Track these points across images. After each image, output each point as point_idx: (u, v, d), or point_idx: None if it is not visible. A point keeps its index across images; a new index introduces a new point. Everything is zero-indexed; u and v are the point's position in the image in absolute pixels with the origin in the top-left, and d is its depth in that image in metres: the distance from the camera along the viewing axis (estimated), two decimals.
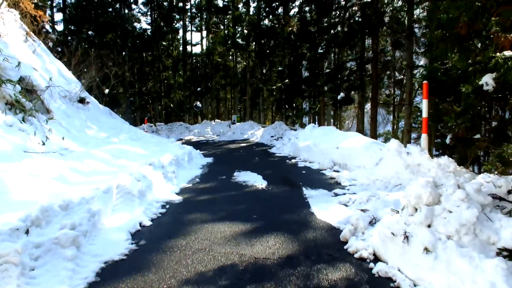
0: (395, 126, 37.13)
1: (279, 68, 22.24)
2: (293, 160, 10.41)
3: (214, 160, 11.89)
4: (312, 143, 9.89)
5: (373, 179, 6.28)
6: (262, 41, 24.72)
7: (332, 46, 17.24)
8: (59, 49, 23.38)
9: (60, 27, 30.39)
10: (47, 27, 29.89)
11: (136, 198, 5.32)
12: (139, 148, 10.74)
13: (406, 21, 17.15)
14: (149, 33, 33.38)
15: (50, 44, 16.73)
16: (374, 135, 19.07)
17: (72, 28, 29.62)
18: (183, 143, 22.23)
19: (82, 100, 12.85)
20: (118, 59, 30.65)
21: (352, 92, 16.83)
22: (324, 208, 5.06)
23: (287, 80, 21.04)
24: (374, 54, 17.79)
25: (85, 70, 17.83)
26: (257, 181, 7.40)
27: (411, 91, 21.79)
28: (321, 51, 17.11)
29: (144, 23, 48.66)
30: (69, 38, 29.21)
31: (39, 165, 5.62)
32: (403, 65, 38.31)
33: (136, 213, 4.89)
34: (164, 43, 33.90)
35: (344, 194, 5.82)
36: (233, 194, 6.35)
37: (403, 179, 5.75)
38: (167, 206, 5.64)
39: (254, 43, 27.29)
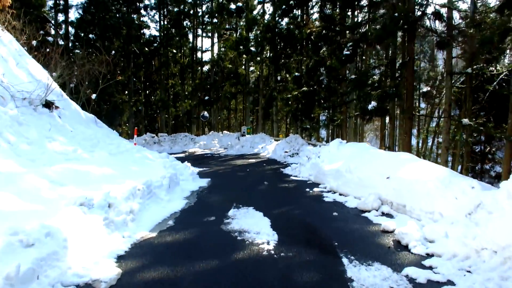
0: (420, 142, 33.69)
1: (296, 74, 19.43)
2: (315, 190, 7.47)
3: (210, 184, 9.08)
4: (344, 168, 6.96)
5: (476, 246, 3.32)
6: (278, 45, 22.05)
7: (360, 46, 14.40)
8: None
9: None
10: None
11: None
12: (110, 167, 8.01)
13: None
14: (157, 39, 31.23)
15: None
16: (408, 151, 15.96)
17: (77, 31, 27.75)
18: (185, 156, 19.63)
19: (48, 105, 10.26)
20: (120, 62, 28.58)
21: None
22: None
23: (305, 88, 18.22)
24: (410, 57, 14.87)
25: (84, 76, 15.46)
26: (261, 232, 4.51)
27: (451, 102, 18.76)
28: (347, 52, 14.31)
29: (153, 30, 46.72)
30: (71, 41, 27.24)
31: None
32: (431, 74, 35.22)
33: None
34: (172, 50, 31.67)
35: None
36: (215, 268, 3.47)
37: None
38: None
39: (268, 48, 24.63)
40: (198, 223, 5.13)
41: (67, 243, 3.37)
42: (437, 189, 4.50)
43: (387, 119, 27.91)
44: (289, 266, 3.40)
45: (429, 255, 3.57)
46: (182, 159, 15.73)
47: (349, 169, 6.71)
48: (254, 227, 4.76)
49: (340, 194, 6.71)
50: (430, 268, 3.27)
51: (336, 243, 3.99)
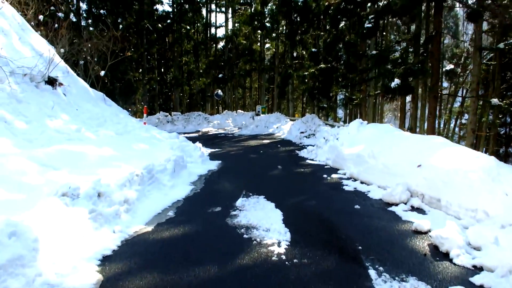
0: (442, 124, 32.10)
1: (313, 50, 18.39)
2: (334, 176, 6.78)
3: (220, 167, 8.52)
4: (366, 152, 6.23)
5: None
6: (294, 20, 20.91)
7: (383, 18, 13.29)
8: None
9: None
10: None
11: None
12: (113, 148, 7.51)
13: None
14: (170, 15, 30.28)
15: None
16: (431, 134, 15.02)
17: (90, 6, 27.05)
18: (198, 136, 19.11)
19: (52, 82, 9.76)
20: (133, 39, 27.86)
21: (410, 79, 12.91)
22: None
23: (322, 65, 17.22)
24: (437, 31, 13.70)
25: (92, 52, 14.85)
26: (271, 228, 3.89)
27: (479, 80, 17.51)
28: (369, 25, 13.23)
29: (167, 6, 45.42)
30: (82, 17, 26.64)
31: None
32: (455, 51, 33.32)
33: None
34: (185, 26, 30.68)
35: None
36: (213, 277, 2.88)
37: None
38: None
39: (283, 22, 23.47)
40: (201, 215, 4.55)
41: (38, 245, 2.83)
42: (482, 182, 3.76)
43: (408, 98, 26.63)
44: (303, 278, 2.79)
45: (476, 268, 2.89)
46: (194, 139, 15.23)
47: (372, 154, 5.98)
48: (264, 222, 4.15)
49: (362, 183, 6.01)
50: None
51: (360, 247, 3.34)
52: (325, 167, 8.01)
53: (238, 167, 8.54)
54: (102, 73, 14.33)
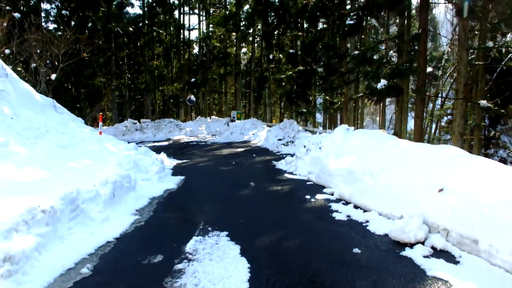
0: (425, 127, 31.37)
1: (290, 51, 17.16)
2: (319, 197, 5.39)
3: (181, 185, 7.02)
4: (360, 168, 4.88)
5: None
6: (270, 19, 19.68)
7: (366, 14, 12.15)
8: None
9: None
10: None
11: None
12: (41, 167, 5.93)
13: None
14: (140, 18, 28.49)
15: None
16: (420, 139, 13.96)
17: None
18: (168, 145, 17.45)
19: None
20: (99, 42, 25.94)
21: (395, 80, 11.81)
22: None
23: (300, 67, 16.00)
24: (423, 29, 12.73)
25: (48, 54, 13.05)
26: None
27: (466, 81, 16.67)
28: (351, 22, 12.10)
29: (137, 8, 43.45)
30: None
31: None
32: (434, 54, 32.94)
33: None
34: (156, 29, 28.94)
35: None
36: None
37: None
38: None
39: (259, 23, 22.23)
40: (129, 274, 3.05)
41: None
42: None
43: (387, 101, 25.70)
44: None
45: None
46: (161, 149, 13.62)
47: (370, 171, 4.62)
48: (221, 286, 2.69)
49: (356, 207, 4.64)
50: None
51: None
52: (307, 183, 6.62)
53: (203, 185, 7.05)
54: (53, 76, 12.55)
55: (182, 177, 7.77)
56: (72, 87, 27.21)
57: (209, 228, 4.12)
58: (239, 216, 4.62)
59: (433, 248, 3.24)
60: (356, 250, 3.31)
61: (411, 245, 3.32)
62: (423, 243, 3.32)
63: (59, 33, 21.77)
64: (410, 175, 3.98)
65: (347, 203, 4.92)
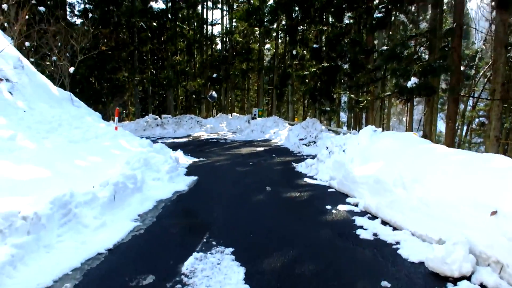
0: (456, 127, 29.77)
1: (314, 46, 16.43)
2: (341, 208, 4.79)
3: (192, 187, 6.57)
4: (392, 178, 4.23)
5: None
6: (294, 14, 18.98)
7: (397, 5, 11.30)
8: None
9: None
10: None
11: None
12: (44, 164, 5.65)
13: None
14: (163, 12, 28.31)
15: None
16: (451, 143, 13.06)
17: None
18: (187, 141, 17.13)
19: None
20: (122, 37, 25.98)
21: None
22: None
23: (325, 63, 15.27)
24: (458, 23, 11.81)
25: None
26: None
27: (504, 81, 15.50)
28: (379, 15, 11.31)
29: (161, 3, 43.20)
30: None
31: None
32: (465, 52, 31.27)
33: None
34: (180, 24, 28.70)
35: None
36: None
37: None
38: None
39: (283, 17, 21.55)
40: None
41: None
42: None
43: (414, 101, 24.40)
44: None
45: None
46: (180, 146, 13.31)
47: (402, 182, 3.98)
48: None
49: (384, 223, 4.02)
50: None
51: None
52: (329, 190, 6.01)
53: (216, 188, 6.56)
54: (72, 69, 12.39)
55: (195, 178, 7.33)
56: (96, 81, 27.45)
57: (213, 242, 3.61)
58: (249, 227, 4.09)
59: (482, 286, 2.61)
60: (385, 283, 2.70)
61: (454, 280, 2.69)
62: (469, 278, 2.69)
63: (79, 25, 21.95)
64: (451, 190, 3.32)
65: (373, 217, 4.30)
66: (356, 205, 4.83)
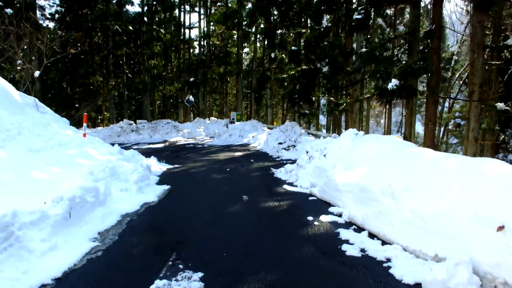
0: (436, 129, 30.08)
1: (293, 48, 16.16)
2: (324, 219, 4.39)
3: (163, 198, 6.05)
4: (379, 187, 3.86)
5: None
6: (272, 17, 18.72)
7: (376, 7, 11.12)
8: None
9: None
10: None
11: None
12: None
13: None
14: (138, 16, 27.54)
15: None
16: (431, 144, 12.93)
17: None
18: (163, 147, 16.50)
19: None
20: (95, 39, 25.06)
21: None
22: None
23: (303, 65, 15.01)
24: (437, 25, 11.77)
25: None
26: None
27: (482, 82, 15.62)
28: (358, 16, 11.12)
29: (137, 6, 42.23)
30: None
31: None
32: (443, 55, 31.81)
33: None
34: (156, 27, 27.97)
35: None
36: None
37: None
38: None
39: (261, 20, 21.24)
40: None
41: None
42: None
43: (393, 103, 24.55)
44: None
45: None
46: (156, 151, 12.72)
47: (391, 191, 3.61)
48: None
49: (372, 236, 3.64)
50: None
51: None
52: (310, 198, 5.61)
53: (188, 198, 6.06)
54: (37, 73, 11.64)
55: (167, 187, 6.80)
56: (68, 86, 26.36)
57: (180, 266, 3.13)
58: (223, 246, 3.62)
59: None
60: None
61: None
62: None
63: (51, 28, 20.98)
64: (447, 200, 2.96)
65: (359, 229, 3.91)
66: (340, 215, 4.43)
